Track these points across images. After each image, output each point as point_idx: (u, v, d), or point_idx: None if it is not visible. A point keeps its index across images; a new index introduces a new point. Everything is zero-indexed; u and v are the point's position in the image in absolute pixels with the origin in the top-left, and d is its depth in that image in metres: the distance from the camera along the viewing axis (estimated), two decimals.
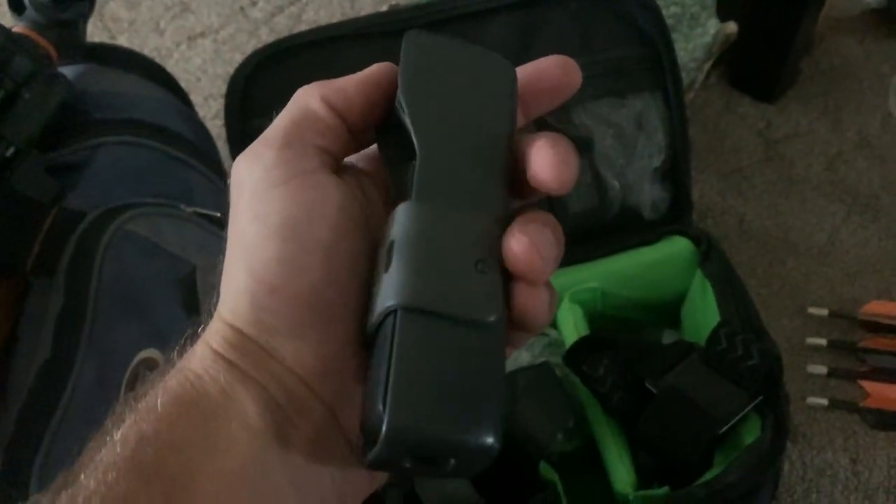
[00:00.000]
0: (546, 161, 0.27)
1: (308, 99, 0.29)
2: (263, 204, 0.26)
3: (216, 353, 0.26)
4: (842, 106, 0.98)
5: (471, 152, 0.28)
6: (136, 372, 0.56)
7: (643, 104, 0.70)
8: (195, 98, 1.01)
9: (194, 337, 0.28)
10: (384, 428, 0.22)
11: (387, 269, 0.25)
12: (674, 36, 0.72)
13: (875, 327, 0.83)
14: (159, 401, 0.25)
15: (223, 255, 0.28)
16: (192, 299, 0.60)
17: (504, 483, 0.55)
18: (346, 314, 0.26)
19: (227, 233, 0.28)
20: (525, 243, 0.26)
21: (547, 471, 0.57)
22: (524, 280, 0.26)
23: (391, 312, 0.24)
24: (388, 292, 0.24)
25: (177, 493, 0.24)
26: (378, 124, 0.29)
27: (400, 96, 0.28)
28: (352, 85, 0.29)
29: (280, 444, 0.25)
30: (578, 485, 0.59)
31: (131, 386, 0.55)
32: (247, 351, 0.26)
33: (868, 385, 0.80)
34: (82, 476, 0.24)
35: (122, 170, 0.63)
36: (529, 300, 0.26)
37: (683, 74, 0.74)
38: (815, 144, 0.96)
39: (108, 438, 0.25)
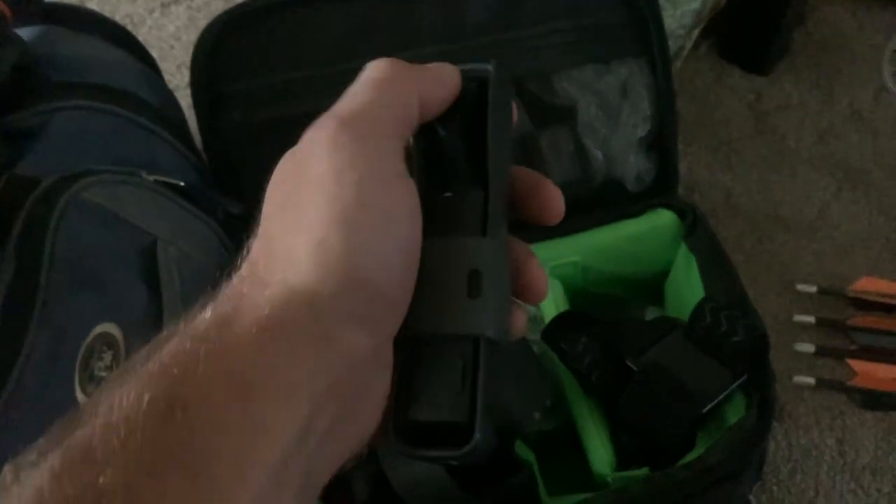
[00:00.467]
0: (558, 207, 0.32)
1: (409, 96, 0.29)
2: (377, 195, 0.26)
3: (271, 324, 0.25)
4: (834, 78, 0.96)
5: (504, 188, 0.30)
6: (92, 347, 0.53)
7: (628, 71, 0.67)
8: (168, 66, 0.97)
9: (220, 286, 0.27)
10: (475, 439, 0.26)
11: (474, 297, 0.27)
12: (661, 1, 0.69)
13: (865, 305, 0.81)
14: (201, 367, 0.24)
15: (275, 216, 0.27)
16: (153, 272, 0.57)
17: (478, 463, 0.53)
18: (402, 311, 0.27)
19: (305, 190, 0.27)
20: (546, 282, 0.31)
21: (523, 451, 0.55)
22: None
23: (474, 337, 0.27)
24: (478, 321, 0.27)
25: (201, 473, 0.22)
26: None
27: (490, 130, 0.29)
28: (442, 93, 0.30)
29: (308, 434, 0.25)
30: (556, 465, 0.57)
31: (86, 362, 0.53)
32: (310, 332, 0.25)
33: (856, 364, 0.78)
34: (98, 432, 0.22)
35: (80, 136, 0.60)
36: (524, 323, 0.31)
37: (671, 41, 0.71)
38: (806, 117, 0.93)
39: (128, 390, 0.23)
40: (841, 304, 0.81)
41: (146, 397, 0.23)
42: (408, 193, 0.27)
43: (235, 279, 0.27)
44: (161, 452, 0.22)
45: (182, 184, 0.63)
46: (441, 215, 0.28)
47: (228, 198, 0.67)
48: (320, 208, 0.26)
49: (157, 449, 0.22)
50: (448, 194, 0.29)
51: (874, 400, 0.76)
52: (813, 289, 0.81)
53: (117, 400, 0.23)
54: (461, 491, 0.48)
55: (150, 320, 0.55)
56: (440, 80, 0.30)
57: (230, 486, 0.22)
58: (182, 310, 0.56)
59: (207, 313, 0.25)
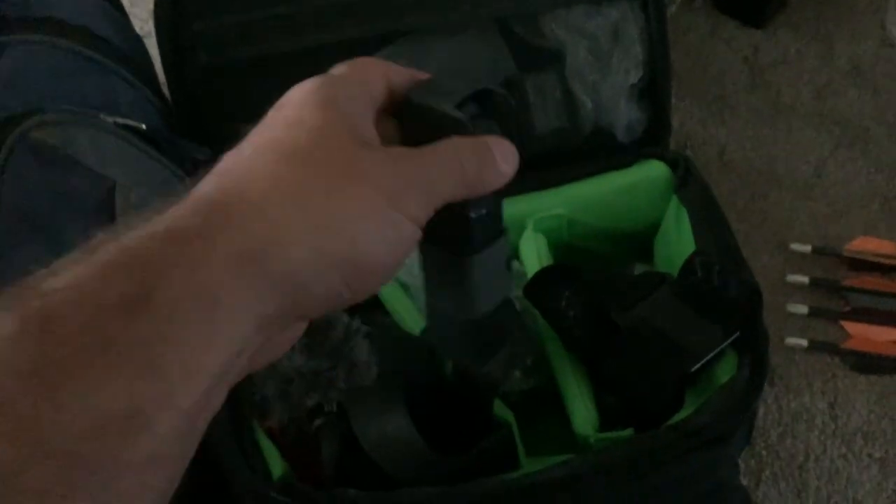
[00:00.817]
0: None
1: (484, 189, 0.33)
2: (409, 203, 0.29)
3: (254, 257, 0.26)
4: (834, 32, 0.92)
5: None
6: None
7: (620, 13, 0.63)
8: (138, 12, 0.93)
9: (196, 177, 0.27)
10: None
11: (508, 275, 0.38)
12: None
13: (860, 265, 0.78)
14: (177, 273, 0.24)
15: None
16: (110, 221, 0.54)
17: (454, 423, 0.50)
18: (358, 299, 0.29)
19: (358, 170, 0.28)
20: None
21: (502, 410, 0.52)
22: None
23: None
24: (511, 288, 0.40)
25: (153, 366, 0.24)
26: None
27: None
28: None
29: (242, 353, 0.26)
30: (536, 426, 0.54)
31: None
32: (282, 277, 0.26)
33: (850, 326, 0.76)
34: (57, 306, 0.23)
35: (33, 73, 0.56)
36: None
37: None
38: (804, 72, 0.90)
39: (94, 272, 0.24)
40: (836, 264, 0.78)
41: (115, 283, 0.23)
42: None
43: (229, 185, 0.27)
44: (118, 339, 0.23)
45: (144, 127, 0.59)
46: (482, 230, 0.34)
47: (195, 144, 0.63)
48: (367, 193, 0.28)
49: (114, 334, 0.23)
50: (479, 212, 0.33)
51: (867, 363, 0.74)
52: (807, 248, 0.78)
53: (82, 278, 0.23)
54: (432, 451, 0.46)
55: None
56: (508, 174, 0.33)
57: (177, 385, 0.24)
58: None
59: (197, 219, 0.25)
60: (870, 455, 0.70)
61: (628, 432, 0.51)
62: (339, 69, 0.31)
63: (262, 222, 0.26)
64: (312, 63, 0.31)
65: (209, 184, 0.27)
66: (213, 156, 0.65)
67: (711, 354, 0.50)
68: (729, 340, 0.51)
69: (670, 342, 0.51)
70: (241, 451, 0.48)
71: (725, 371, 0.52)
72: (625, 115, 0.64)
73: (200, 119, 0.64)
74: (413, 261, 0.59)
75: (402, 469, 0.47)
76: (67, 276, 0.24)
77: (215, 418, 0.51)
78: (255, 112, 0.30)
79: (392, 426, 0.46)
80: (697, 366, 0.51)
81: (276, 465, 0.49)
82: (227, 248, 0.25)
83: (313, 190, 0.27)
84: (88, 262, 0.24)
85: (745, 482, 0.67)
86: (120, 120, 0.58)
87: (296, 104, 0.29)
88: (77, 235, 0.53)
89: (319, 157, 0.27)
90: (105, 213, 0.54)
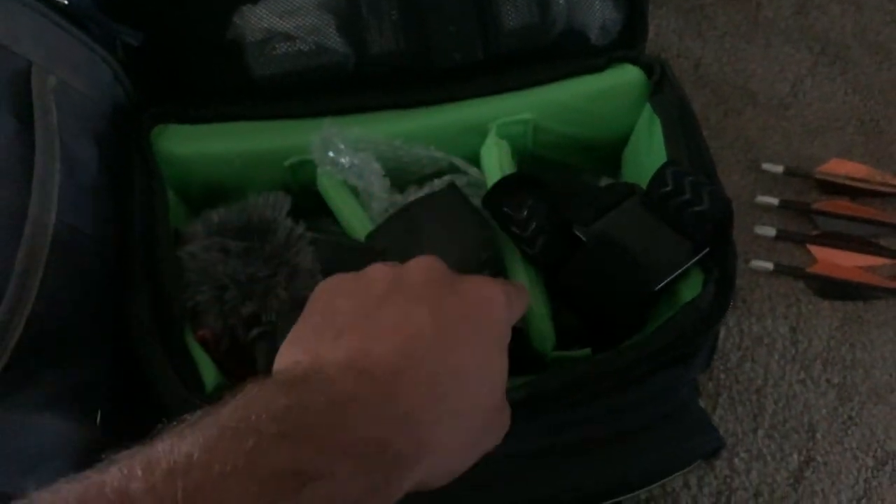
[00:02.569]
0: None
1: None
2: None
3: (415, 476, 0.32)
4: None
5: None
6: None
7: None
8: None
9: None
10: None
11: None
12: None
13: (831, 188, 0.75)
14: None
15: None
16: (24, 102, 0.48)
17: None
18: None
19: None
20: None
21: None
22: None
23: None
24: None
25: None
26: None
27: None
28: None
29: None
30: None
31: None
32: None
33: (817, 250, 0.74)
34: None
35: None
36: None
37: None
38: None
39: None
40: (807, 186, 0.76)
41: (361, 479, 0.29)
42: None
43: (431, 413, 0.31)
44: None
45: (66, 2, 0.53)
46: None
47: (126, 26, 0.57)
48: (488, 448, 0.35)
49: None
50: None
51: (832, 288, 0.72)
52: (779, 169, 0.76)
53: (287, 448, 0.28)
54: None
55: (18, 158, 0.46)
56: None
57: None
58: (58, 147, 0.47)
59: (406, 444, 0.30)
60: (828, 381, 0.68)
61: (585, 352, 0.48)
62: (514, 293, 0.37)
63: (431, 459, 0.31)
64: None
65: (413, 390, 0.31)
66: (145, 39, 0.59)
67: (679, 271, 0.47)
68: (697, 257, 0.48)
69: (635, 258, 0.47)
70: (171, 360, 0.44)
71: (690, 289, 0.49)
72: (599, 15, 0.59)
73: None
74: (364, 163, 0.55)
75: None
76: (293, 442, 0.28)
77: (143, 327, 0.47)
78: None
79: None
80: (662, 284, 0.48)
81: (210, 376, 0.45)
82: (410, 477, 0.30)
83: (470, 445, 0.34)
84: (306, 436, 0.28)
85: (701, 405, 0.66)
86: None
87: (494, 324, 0.35)
88: None
89: (481, 423, 0.34)
90: (18, 94, 0.48)
